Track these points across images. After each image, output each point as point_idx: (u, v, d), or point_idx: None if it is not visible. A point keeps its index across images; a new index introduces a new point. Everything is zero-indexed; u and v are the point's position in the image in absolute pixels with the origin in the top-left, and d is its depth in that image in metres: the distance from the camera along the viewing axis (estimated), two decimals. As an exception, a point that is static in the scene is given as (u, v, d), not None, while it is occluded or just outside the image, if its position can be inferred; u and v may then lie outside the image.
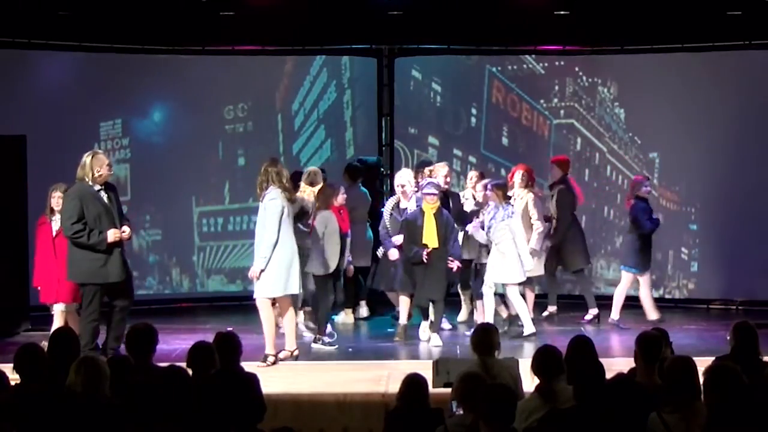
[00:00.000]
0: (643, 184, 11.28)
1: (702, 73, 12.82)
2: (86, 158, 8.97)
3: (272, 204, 9.09)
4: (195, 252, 13.40)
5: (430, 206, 9.94)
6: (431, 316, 10.19)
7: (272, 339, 9.15)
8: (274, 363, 9.06)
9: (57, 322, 9.28)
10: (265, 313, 9.16)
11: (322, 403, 7.89)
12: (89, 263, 8.81)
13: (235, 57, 13.45)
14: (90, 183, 8.90)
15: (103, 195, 8.96)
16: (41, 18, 12.20)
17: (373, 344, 10.15)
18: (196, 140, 13.21)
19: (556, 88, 13.44)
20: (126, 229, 8.96)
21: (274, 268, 9.08)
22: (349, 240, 10.04)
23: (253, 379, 6.25)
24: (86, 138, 12.72)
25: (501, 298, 10.49)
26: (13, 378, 5.84)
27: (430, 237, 9.90)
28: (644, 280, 11.31)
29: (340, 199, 10.00)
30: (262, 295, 9.15)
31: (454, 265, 10.00)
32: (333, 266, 9.78)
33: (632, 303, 13.11)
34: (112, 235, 8.80)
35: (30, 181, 11.31)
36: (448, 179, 10.85)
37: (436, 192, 10.00)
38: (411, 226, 9.98)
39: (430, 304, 10.18)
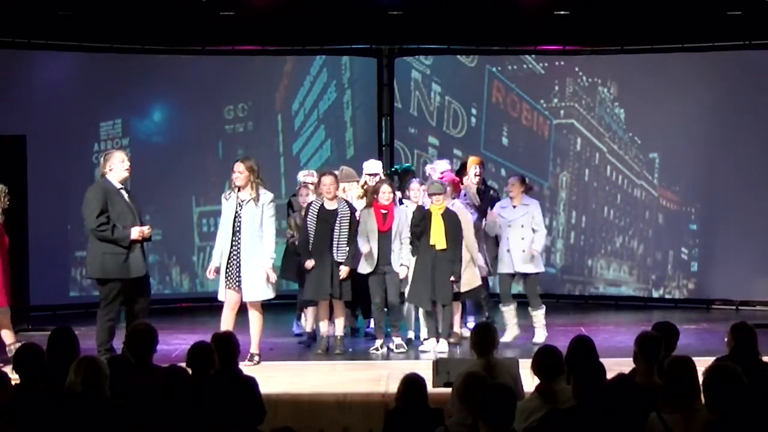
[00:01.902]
0: None
1: (702, 73, 12.82)
2: (104, 156, 9.12)
3: (273, 206, 9.14)
4: (195, 252, 13.40)
5: (437, 207, 9.72)
6: (438, 323, 9.88)
7: (260, 338, 9.21)
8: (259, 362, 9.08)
9: None
10: (260, 314, 9.17)
11: (322, 403, 7.88)
12: (112, 258, 8.77)
13: (235, 57, 13.46)
14: (110, 180, 8.91)
15: (124, 194, 8.97)
16: (41, 18, 12.20)
17: (373, 344, 10.09)
18: (196, 140, 13.22)
19: (556, 88, 13.45)
20: (147, 227, 8.95)
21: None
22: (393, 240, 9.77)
23: (252, 382, 6.25)
24: (86, 138, 12.75)
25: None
26: (13, 378, 5.84)
27: (438, 238, 9.65)
28: None
29: (383, 197, 9.72)
30: (266, 297, 9.15)
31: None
32: (368, 267, 9.71)
33: (628, 303, 13.14)
34: (136, 232, 8.79)
35: (30, 181, 11.32)
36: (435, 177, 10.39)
37: (442, 192, 9.80)
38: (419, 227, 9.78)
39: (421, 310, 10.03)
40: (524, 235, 10.12)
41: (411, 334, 10.29)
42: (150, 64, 13.00)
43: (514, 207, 10.20)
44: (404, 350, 9.76)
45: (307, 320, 10.29)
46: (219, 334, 6.59)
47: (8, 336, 9.36)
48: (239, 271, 9.03)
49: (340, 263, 9.62)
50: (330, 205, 9.67)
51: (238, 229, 9.04)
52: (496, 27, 13.03)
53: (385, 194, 9.73)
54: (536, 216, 10.22)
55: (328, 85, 13.70)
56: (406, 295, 9.96)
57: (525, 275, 10.23)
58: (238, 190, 9.07)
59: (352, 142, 13.74)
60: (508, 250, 10.15)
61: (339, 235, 9.62)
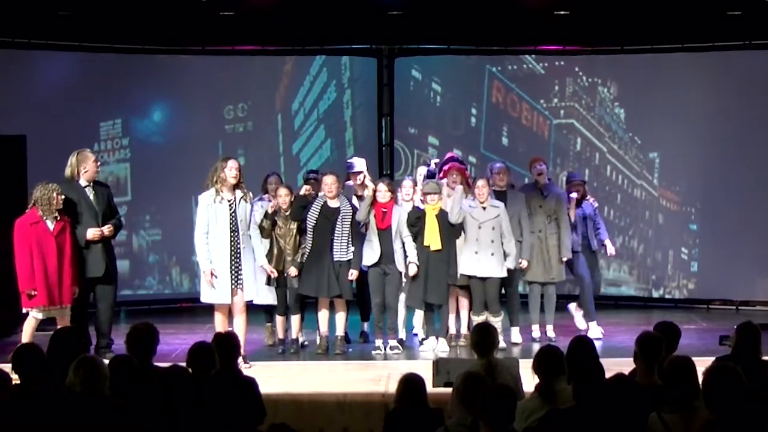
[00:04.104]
0: None
1: (702, 73, 12.83)
2: (72, 157, 9.24)
3: (254, 204, 9.25)
4: (195, 252, 13.37)
5: (431, 207, 9.74)
6: (436, 322, 9.94)
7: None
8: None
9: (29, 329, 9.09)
10: (245, 316, 9.18)
11: (322, 403, 7.89)
12: None
13: (235, 57, 13.46)
14: (79, 180, 9.11)
15: (90, 193, 9.12)
16: (41, 18, 12.20)
17: (373, 344, 10.08)
18: (196, 140, 13.21)
19: (556, 88, 13.45)
20: (107, 226, 9.08)
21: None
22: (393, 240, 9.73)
23: (252, 382, 6.25)
24: (86, 138, 12.70)
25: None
26: (14, 378, 5.84)
27: (432, 238, 9.67)
28: None
29: (381, 196, 9.70)
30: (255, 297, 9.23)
31: None
32: (366, 263, 9.70)
33: (628, 303, 13.13)
34: (90, 232, 8.99)
35: (30, 181, 11.29)
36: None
37: (437, 192, 9.77)
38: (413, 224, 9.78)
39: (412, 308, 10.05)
40: (494, 238, 9.81)
41: (402, 334, 10.22)
42: (150, 64, 13.00)
43: (484, 209, 9.85)
44: (399, 351, 9.78)
45: (279, 327, 9.99)
46: (220, 334, 6.61)
47: (27, 337, 9.02)
48: (240, 272, 9.03)
49: (340, 261, 9.64)
50: (333, 203, 9.69)
51: (234, 228, 9.02)
52: (496, 27, 13.03)
53: (382, 192, 9.75)
54: (505, 220, 9.91)
55: (328, 85, 13.70)
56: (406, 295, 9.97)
57: (485, 278, 9.86)
58: (227, 189, 9.05)
59: (352, 142, 13.74)
60: (476, 252, 9.79)
61: (341, 233, 9.63)
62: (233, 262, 9.00)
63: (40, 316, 8.99)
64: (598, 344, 9.98)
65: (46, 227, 8.93)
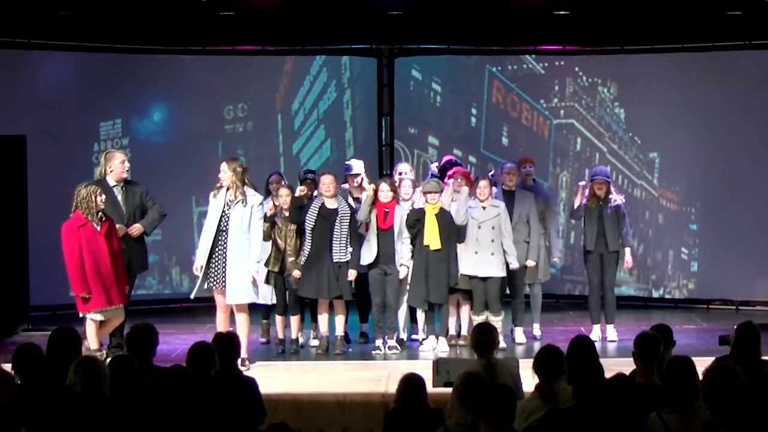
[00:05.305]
0: None
1: (702, 73, 12.82)
2: (101, 157, 9.42)
3: (261, 208, 9.21)
4: (195, 252, 13.36)
5: (431, 206, 9.76)
6: (435, 322, 9.96)
7: (247, 342, 9.10)
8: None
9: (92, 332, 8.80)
10: (247, 317, 9.09)
11: (322, 403, 7.89)
12: None
13: (235, 57, 13.46)
14: (108, 180, 9.22)
15: (118, 192, 9.23)
16: (41, 18, 12.20)
17: (373, 344, 10.08)
18: (196, 140, 13.21)
19: (556, 88, 13.45)
20: (135, 226, 9.19)
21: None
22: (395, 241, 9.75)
23: (252, 383, 6.25)
24: (86, 138, 12.75)
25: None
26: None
27: (432, 238, 9.67)
28: None
29: (383, 196, 9.72)
30: (251, 300, 9.16)
31: None
32: (363, 263, 9.69)
33: (628, 303, 13.13)
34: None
35: (30, 181, 11.32)
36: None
37: (437, 191, 9.79)
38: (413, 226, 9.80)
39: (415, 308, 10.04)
40: (494, 238, 9.81)
41: (403, 335, 10.22)
42: (150, 64, 13.00)
43: (484, 208, 9.85)
44: (397, 351, 9.78)
45: (279, 327, 9.98)
46: (221, 334, 6.61)
47: (93, 341, 8.78)
48: (225, 272, 8.99)
49: (339, 262, 9.62)
50: (330, 204, 9.67)
51: (224, 228, 9.01)
52: (496, 27, 13.03)
53: (384, 192, 9.75)
54: (505, 220, 9.91)
55: (328, 85, 13.69)
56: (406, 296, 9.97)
57: (486, 278, 9.86)
58: (227, 190, 9.06)
59: (352, 142, 13.73)
60: (476, 252, 9.80)
61: (339, 233, 9.63)
62: (216, 262, 9.00)
63: (99, 318, 8.76)
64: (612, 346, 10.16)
65: (94, 229, 8.72)
